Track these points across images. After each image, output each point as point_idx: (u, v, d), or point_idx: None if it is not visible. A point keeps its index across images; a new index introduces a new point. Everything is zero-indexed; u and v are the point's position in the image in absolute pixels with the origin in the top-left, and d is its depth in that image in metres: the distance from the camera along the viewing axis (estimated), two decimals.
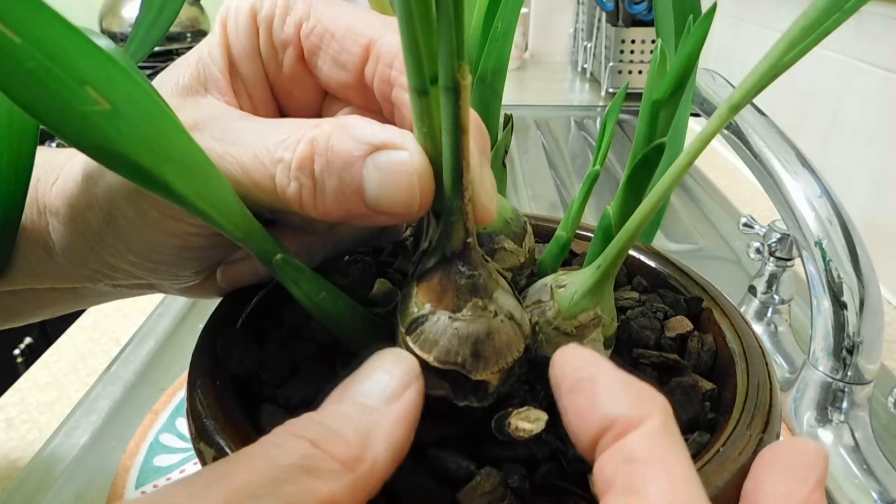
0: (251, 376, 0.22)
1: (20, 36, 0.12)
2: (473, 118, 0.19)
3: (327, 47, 0.21)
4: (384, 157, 0.18)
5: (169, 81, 0.22)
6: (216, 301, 0.26)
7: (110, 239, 0.23)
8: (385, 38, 0.21)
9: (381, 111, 0.22)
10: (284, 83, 0.23)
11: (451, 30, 0.14)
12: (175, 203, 0.16)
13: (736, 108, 0.18)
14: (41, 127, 0.23)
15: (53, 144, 0.96)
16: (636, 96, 1.17)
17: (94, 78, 0.13)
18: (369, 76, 0.21)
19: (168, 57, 1.37)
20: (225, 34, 0.22)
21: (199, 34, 1.48)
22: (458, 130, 0.16)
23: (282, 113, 0.24)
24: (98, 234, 0.23)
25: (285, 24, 0.22)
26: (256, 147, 0.20)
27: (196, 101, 0.21)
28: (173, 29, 1.40)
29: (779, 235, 0.51)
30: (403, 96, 0.20)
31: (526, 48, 1.71)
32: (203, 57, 0.22)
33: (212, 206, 0.17)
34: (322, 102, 0.24)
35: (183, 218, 0.22)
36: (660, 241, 0.78)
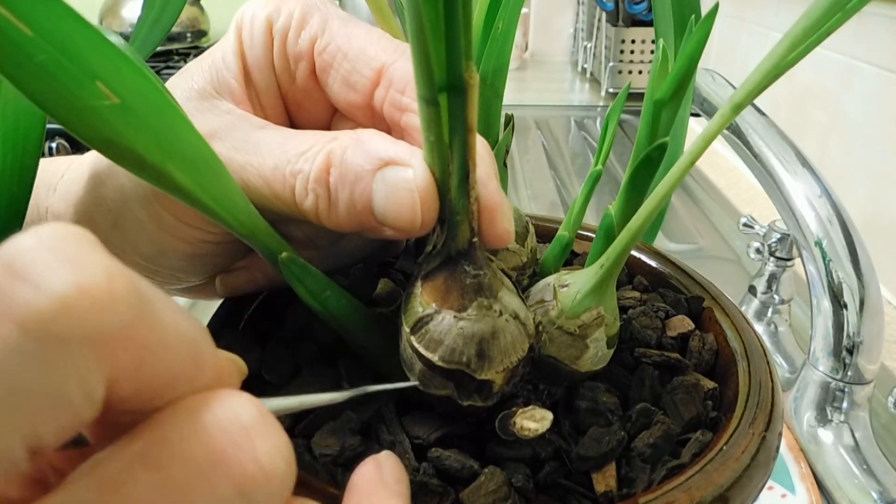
0: (254, 377, 0.22)
1: (32, 29, 0.12)
2: (482, 144, 0.19)
3: (339, 66, 0.21)
4: (391, 173, 0.18)
5: (183, 85, 0.22)
6: (217, 301, 0.26)
7: (117, 240, 0.23)
8: (398, 63, 0.21)
9: (389, 133, 0.22)
10: (296, 95, 0.23)
11: (459, 29, 0.14)
12: (181, 199, 0.16)
13: (738, 108, 0.18)
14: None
15: (53, 145, 0.95)
16: (637, 96, 1.17)
17: (103, 73, 0.13)
18: (378, 100, 0.21)
19: (168, 57, 1.37)
20: (240, 42, 0.22)
21: (199, 34, 1.47)
22: (465, 129, 0.16)
23: (292, 125, 0.24)
24: (104, 234, 0.23)
25: (300, 38, 0.22)
26: (277, 158, 0.20)
27: (214, 106, 0.21)
28: (173, 29, 1.39)
29: (779, 235, 0.51)
30: (414, 121, 0.20)
31: (526, 48, 1.71)
32: (217, 63, 0.22)
33: (218, 202, 0.17)
34: (332, 117, 0.24)
35: (197, 224, 0.22)
36: (660, 241, 0.78)
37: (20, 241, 0.10)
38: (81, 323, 0.09)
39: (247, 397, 0.12)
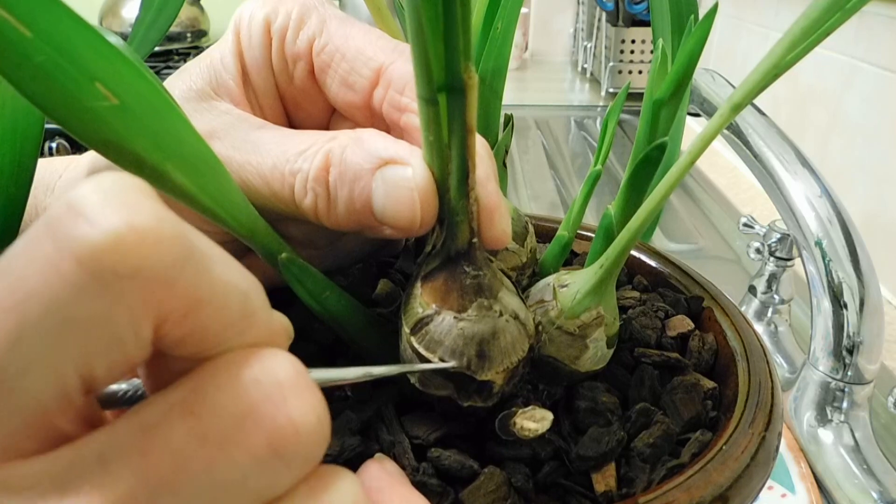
0: None
1: (31, 30, 0.12)
2: (482, 144, 0.19)
3: (337, 67, 0.21)
4: (390, 172, 0.18)
5: (181, 86, 0.22)
6: None
7: None
8: (397, 64, 0.21)
9: (388, 133, 0.22)
10: (294, 95, 0.23)
11: (458, 29, 0.14)
12: (180, 200, 0.16)
13: (738, 108, 0.18)
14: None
15: (53, 145, 0.95)
16: (637, 96, 1.17)
17: (102, 73, 0.13)
18: (377, 100, 0.21)
19: (168, 57, 1.37)
20: (238, 43, 0.22)
21: (199, 34, 1.47)
22: (465, 130, 0.16)
23: (291, 125, 0.24)
24: None
25: (298, 38, 0.22)
26: (276, 157, 0.20)
27: (212, 107, 0.22)
28: (173, 29, 1.39)
29: (779, 235, 0.51)
30: (414, 121, 0.20)
31: (526, 48, 1.71)
32: (215, 63, 0.22)
33: (217, 203, 0.17)
34: (331, 118, 0.24)
35: (195, 224, 0.22)
36: (660, 241, 0.78)
37: (82, 186, 0.10)
38: (130, 258, 0.10)
39: (286, 356, 0.12)
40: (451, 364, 0.18)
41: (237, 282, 0.12)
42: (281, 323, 0.14)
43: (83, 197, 0.10)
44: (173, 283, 0.11)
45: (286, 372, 0.12)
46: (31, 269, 0.10)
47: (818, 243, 0.40)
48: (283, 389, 0.11)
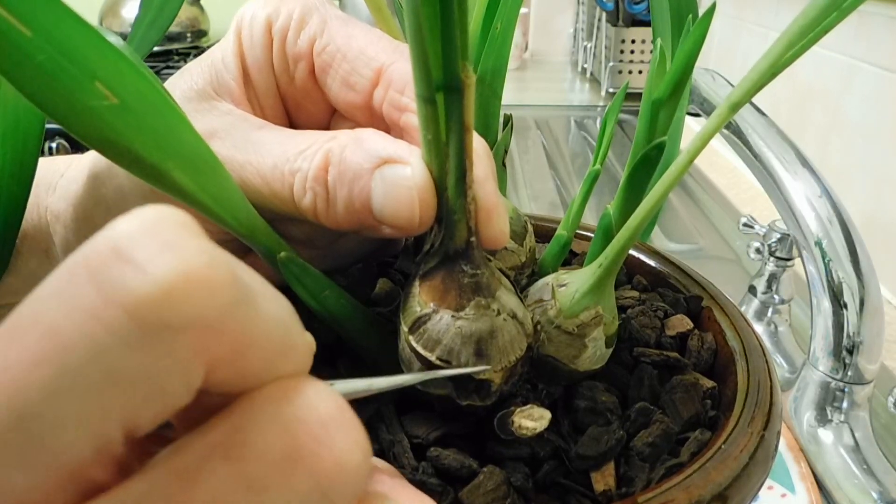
0: None
1: (31, 30, 0.12)
2: (480, 144, 0.19)
3: (338, 67, 0.22)
4: (389, 171, 0.19)
5: (182, 86, 0.22)
6: None
7: None
8: (397, 64, 0.21)
9: (388, 133, 0.22)
10: (295, 96, 0.23)
11: (455, 29, 0.14)
12: (180, 199, 0.16)
13: (736, 107, 0.18)
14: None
15: (54, 145, 0.96)
16: (636, 96, 1.17)
17: (103, 73, 0.13)
18: (378, 100, 0.21)
19: (168, 57, 1.37)
20: (239, 43, 0.22)
21: (199, 34, 1.47)
22: (462, 129, 0.16)
23: (292, 125, 0.24)
24: None
25: (299, 38, 0.22)
26: (276, 157, 0.20)
27: (213, 107, 0.22)
28: (173, 29, 1.39)
29: (779, 235, 0.51)
30: (413, 120, 0.21)
31: (526, 48, 1.71)
32: (216, 63, 0.22)
33: (217, 202, 0.17)
34: (331, 118, 0.24)
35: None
36: (660, 241, 0.78)
37: (123, 225, 0.10)
38: (186, 310, 0.09)
39: (324, 388, 0.12)
40: (480, 368, 0.18)
41: (280, 315, 0.11)
42: (310, 345, 0.13)
43: (128, 238, 0.09)
44: (227, 330, 0.10)
45: (328, 408, 0.11)
46: (68, 317, 0.09)
47: (818, 243, 0.41)
48: (328, 427, 0.11)
